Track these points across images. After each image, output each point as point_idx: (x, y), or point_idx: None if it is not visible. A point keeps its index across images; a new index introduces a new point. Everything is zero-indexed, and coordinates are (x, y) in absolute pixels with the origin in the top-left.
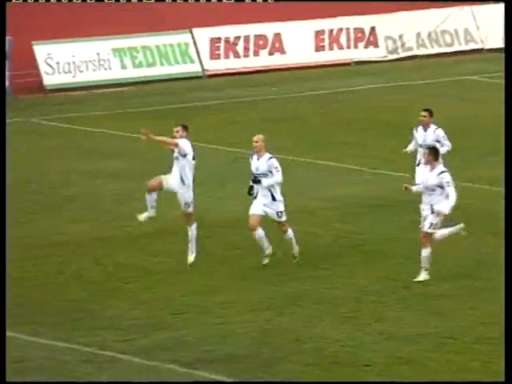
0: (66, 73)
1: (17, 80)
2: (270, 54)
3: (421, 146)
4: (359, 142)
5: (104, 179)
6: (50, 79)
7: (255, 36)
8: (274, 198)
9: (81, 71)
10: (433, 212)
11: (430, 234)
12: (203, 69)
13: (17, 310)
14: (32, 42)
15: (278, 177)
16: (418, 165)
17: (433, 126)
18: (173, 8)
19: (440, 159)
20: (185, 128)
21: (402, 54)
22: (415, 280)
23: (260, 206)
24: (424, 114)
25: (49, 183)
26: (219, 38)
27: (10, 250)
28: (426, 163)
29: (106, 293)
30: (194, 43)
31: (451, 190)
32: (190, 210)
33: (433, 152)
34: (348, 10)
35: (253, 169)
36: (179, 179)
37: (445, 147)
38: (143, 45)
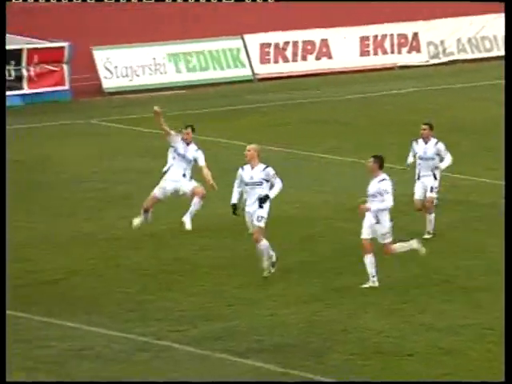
0: (123, 76)
1: (77, 83)
2: (318, 58)
3: (421, 158)
4: (401, 143)
5: (157, 177)
6: (108, 83)
7: (303, 41)
8: (261, 206)
9: (138, 75)
10: (378, 222)
11: (387, 244)
12: (254, 73)
13: (76, 301)
14: (91, 47)
15: (279, 184)
16: (418, 178)
17: (433, 140)
18: (225, 15)
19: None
20: (193, 130)
21: (444, 59)
22: (364, 286)
23: (248, 216)
24: (424, 127)
25: (106, 181)
26: (269, 44)
27: (71, 245)
28: (371, 171)
29: (159, 285)
30: (245, 48)
31: (388, 198)
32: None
33: (378, 161)
34: (392, 16)
35: (246, 178)
36: (181, 175)
37: (446, 161)
38: (197, 50)
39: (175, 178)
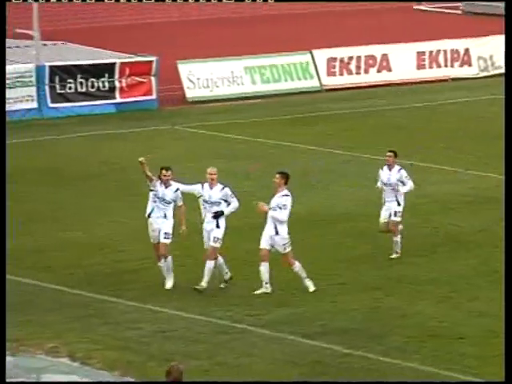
0: (204, 87)
1: (163, 93)
2: (378, 71)
3: (385, 184)
4: (454, 147)
5: (234, 177)
6: (191, 93)
7: (366, 56)
8: (217, 226)
9: (217, 86)
10: (277, 233)
11: (287, 254)
12: (321, 84)
13: (161, 288)
14: (176, 61)
15: (235, 203)
16: (384, 203)
17: (397, 167)
18: (296, 33)
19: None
20: (171, 170)
21: (492, 72)
22: (257, 292)
23: (206, 235)
24: (390, 154)
25: (188, 180)
26: (335, 58)
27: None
28: (278, 186)
29: (236, 275)
30: (314, 62)
31: (284, 213)
32: (168, 241)
33: (285, 176)
34: (445, 34)
35: (205, 197)
36: (162, 217)
37: (407, 186)
38: (270, 64)
39: (157, 221)
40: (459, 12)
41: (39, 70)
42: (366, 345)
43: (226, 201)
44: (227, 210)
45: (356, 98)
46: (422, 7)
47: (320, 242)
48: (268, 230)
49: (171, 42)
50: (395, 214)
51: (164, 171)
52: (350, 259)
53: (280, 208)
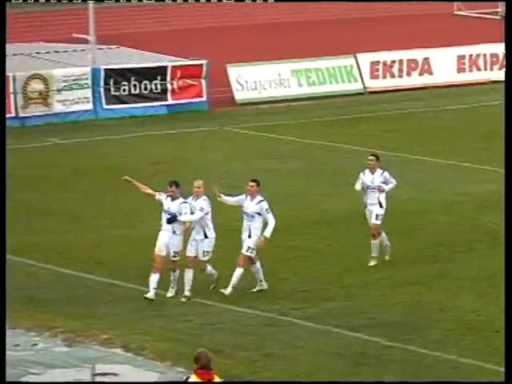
0: (253, 90)
1: (213, 95)
2: (420, 74)
3: (369, 187)
4: (492, 147)
5: (282, 177)
6: (240, 95)
7: (408, 60)
8: (206, 236)
9: (265, 88)
10: (250, 236)
11: (248, 257)
12: (364, 87)
13: (210, 283)
14: (226, 65)
15: (195, 216)
16: (365, 207)
17: (379, 170)
18: (340, 37)
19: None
20: (177, 186)
21: None
22: (223, 292)
23: (193, 244)
24: (371, 158)
25: (237, 179)
26: (378, 62)
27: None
28: (251, 194)
29: (282, 270)
30: (358, 66)
31: (270, 217)
32: (177, 258)
33: (258, 184)
34: (485, 38)
35: (192, 208)
36: (171, 233)
37: (390, 184)
38: (316, 67)
39: (164, 235)
40: (498, 17)
41: (95, 72)
42: (406, 337)
43: (260, 214)
44: (182, 217)
45: (398, 100)
46: (462, 12)
47: (363, 239)
48: (244, 235)
49: (220, 46)
50: (376, 217)
51: (168, 187)
52: (392, 255)
53: (260, 214)
